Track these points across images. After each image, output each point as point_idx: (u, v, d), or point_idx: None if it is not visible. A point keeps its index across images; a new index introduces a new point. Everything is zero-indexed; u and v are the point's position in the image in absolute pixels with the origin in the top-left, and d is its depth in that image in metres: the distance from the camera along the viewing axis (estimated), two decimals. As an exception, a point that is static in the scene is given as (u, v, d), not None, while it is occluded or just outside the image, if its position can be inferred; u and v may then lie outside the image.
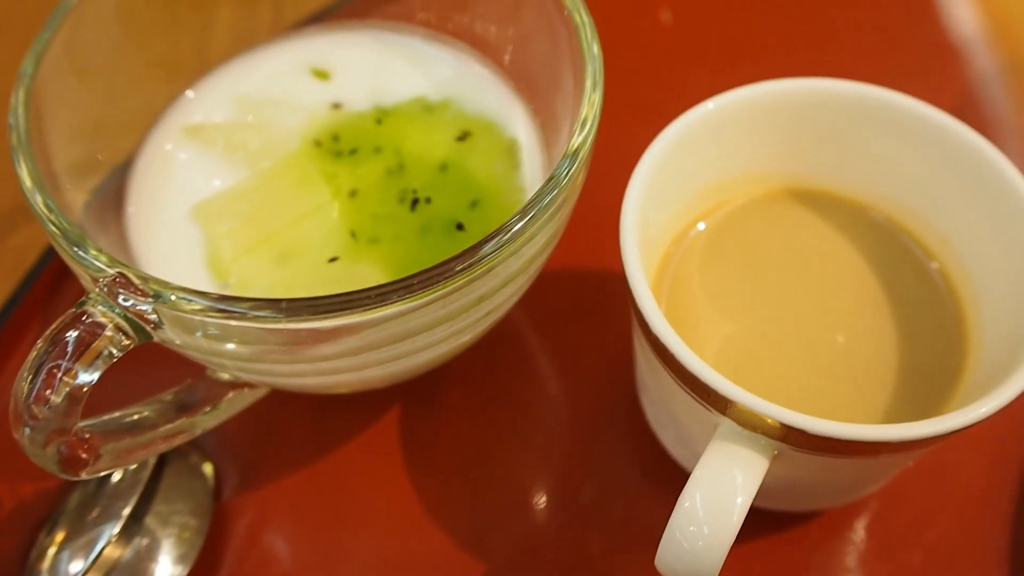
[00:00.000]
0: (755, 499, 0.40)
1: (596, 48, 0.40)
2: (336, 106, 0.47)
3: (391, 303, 0.34)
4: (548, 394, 0.50)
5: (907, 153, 0.43)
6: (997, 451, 0.47)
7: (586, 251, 0.51)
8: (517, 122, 0.46)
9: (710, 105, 0.42)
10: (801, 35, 0.64)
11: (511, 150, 0.46)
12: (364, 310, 0.34)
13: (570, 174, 0.37)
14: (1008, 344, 0.39)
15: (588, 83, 0.40)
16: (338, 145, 0.46)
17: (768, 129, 0.44)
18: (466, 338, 0.41)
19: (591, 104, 0.39)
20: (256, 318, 0.34)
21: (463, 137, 0.46)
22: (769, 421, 0.35)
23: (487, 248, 0.35)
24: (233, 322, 0.33)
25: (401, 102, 0.47)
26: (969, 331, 0.42)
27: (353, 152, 0.46)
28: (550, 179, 0.36)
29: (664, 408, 0.43)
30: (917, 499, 0.46)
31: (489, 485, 0.47)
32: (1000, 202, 0.40)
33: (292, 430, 0.49)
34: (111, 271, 0.34)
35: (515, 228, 0.35)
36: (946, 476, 0.47)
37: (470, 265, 0.34)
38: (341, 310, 0.33)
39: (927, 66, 0.61)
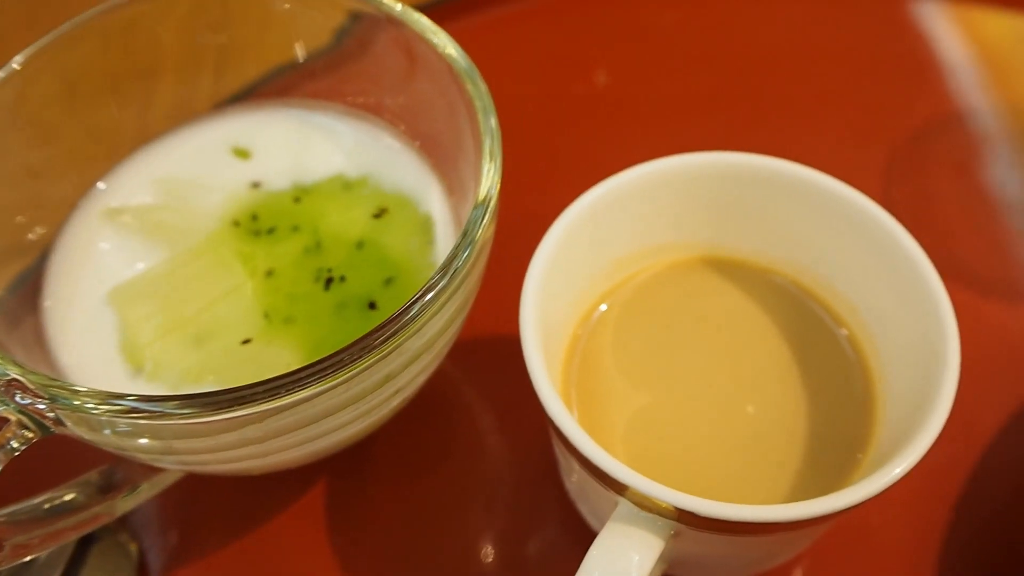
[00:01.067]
0: (678, 572, 0.41)
1: (493, 121, 0.41)
2: (255, 185, 0.48)
3: (278, 397, 0.34)
4: (476, 462, 0.50)
5: (816, 224, 0.44)
6: (926, 508, 0.48)
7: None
8: (432, 198, 0.47)
9: (615, 181, 0.43)
10: (730, 105, 0.64)
11: (426, 226, 0.46)
12: (252, 404, 0.34)
13: (467, 257, 0.38)
14: (906, 417, 0.39)
15: (486, 158, 0.40)
16: (256, 224, 0.47)
17: (680, 201, 0.44)
18: (376, 417, 0.41)
19: (488, 179, 0.39)
20: (144, 415, 0.34)
21: (380, 214, 0.47)
22: (662, 504, 0.35)
23: (371, 341, 0.35)
24: (121, 419, 0.34)
25: (320, 180, 0.48)
26: (876, 399, 0.42)
27: (271, 231, 0.46)
28: (444, 265, 0.37)
29: (575, 483, 0.44)
30: (845, 558, 0.47)
31: (416, 556, 0.47)
32: (900, 273, 0.41)
33: (219, 506, 0.49)
34: (7, 374, 0.34)
35: (403, 319, 0.36)
36: (871, 534, 0.47)
37: (357, 357, 0.35)
38: (226, 406, 0.33)
39: (850, 139, 0.62)
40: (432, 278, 0.37)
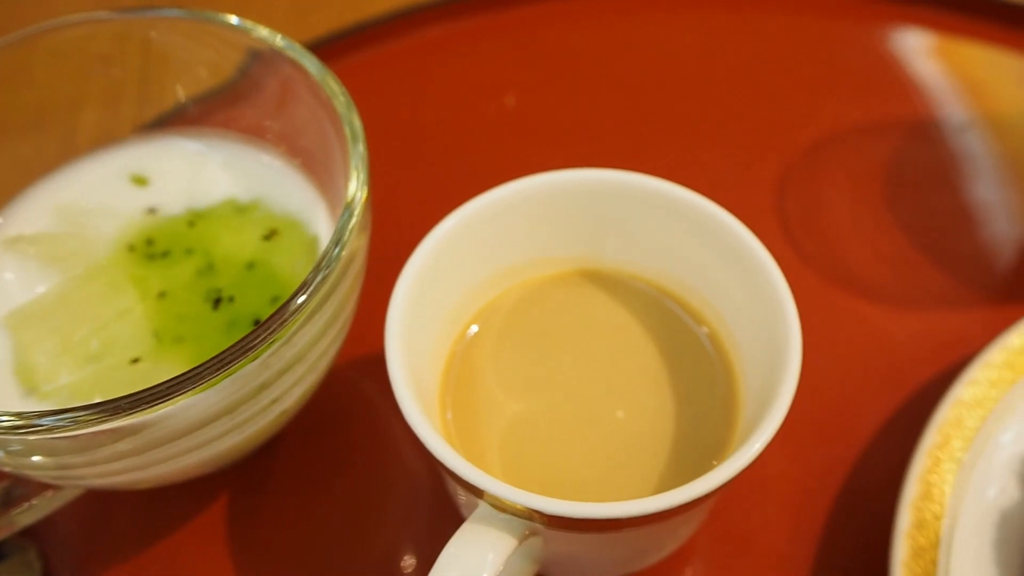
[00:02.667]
0: (554, 572, 0.43)
1: (361, 147, 0.43)
2: (151, 211, 0.50)
3: (142, 410, 0.36)
4: (375, 473, 0.52)
5: (678, 234, 0.46)
6: (807, 506, 0.49)
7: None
8: (319, 219, 0.49)
9: (485, 200, 0.45)
10: (633, 123, 0.67)
11: (312, 246, 0.48)
12: (126, 414, 0.36)
13: (332, 266, 0.40)
14: (758, 412, 0.41)
15: (352, 171, 0.42)
16: (151, 248, 0.48)
17: (554, 216, 0.46)
18: (256, 428, 0.43)
19: (353, 186, 0.42)
20: (21, 430, 0.36)
21: (270, 236, 0.49)
22: (514, 505, 0.37)
23: (234, 352, 0.37)
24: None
25: (213, 205, 0.50)
26: (738, 398, 0.44)
27: (165, 255, 0.48)
28: (311, 273, 0.39)
29: (450, 490, 0.46)
30: (726, 555, 0.48)
31: (316, 566, 0.49)
32: (752, 276, 0.43)
33: (126, 519, 0.50)
34: None
35: (266, 332, 0.38)
36: (753, 533, 0.49)
37: (221, 368, 0.37)
38: (95, 417, 0.35)
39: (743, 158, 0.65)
40: (299, 288, 0.39)
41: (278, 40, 0.47)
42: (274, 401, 0.42)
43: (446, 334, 0.46)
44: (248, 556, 0.49)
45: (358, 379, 0.53)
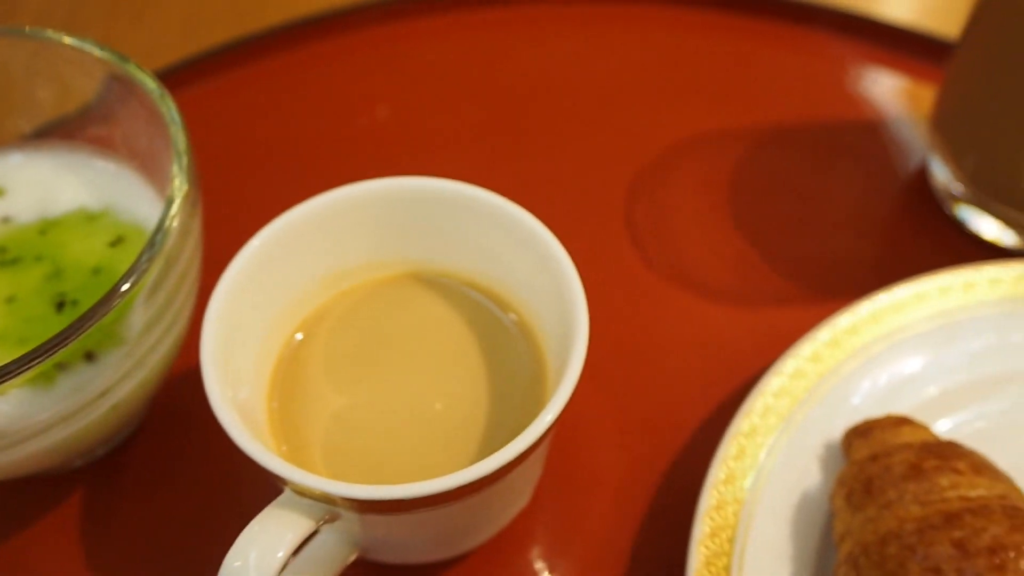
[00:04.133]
0: (379, 555, 0.46)
1: (184, 160, 0.46)
2: (5, 220, 0.52)
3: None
4: (225, 472, 0.54)
5: (489, 235, 0.49)
6: (629, 492, 0.53)
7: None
8: (164, 227, 0.52)
9: (308, 206, 0.48)
10: (497, 133, 0.70)
11: (156, 253, 0.51)
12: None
13: (148, 262, 0.43)
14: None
15: (176, 174, 0.46)
16: (3, 256, 0.51)
17: (381, 222, 0.49)
18: (85, 422, 0.46)
19: (174, 188, 0.45)
20: None
21: (116, 243, 0.51)
22: (311, 489, 0.40)
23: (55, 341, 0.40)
24: None
25: (65, 213, 0.53)
26: (546, 380, 0.47)
27: (15, 261, 0.51)
28: (110, 291, 0.42)
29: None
30: (551, 535, 0.51)
31: (165, 563, 0.51)
32: (551, 272, 0.46)
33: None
34: None
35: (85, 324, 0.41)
36: (578, 519, 0.52)
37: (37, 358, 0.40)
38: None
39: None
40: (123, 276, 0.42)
41: (120, 61, 0.50)
42: (102, 394, 0.45)
43: (278, 331, 0.49)
44: (97, 554, 0.51)
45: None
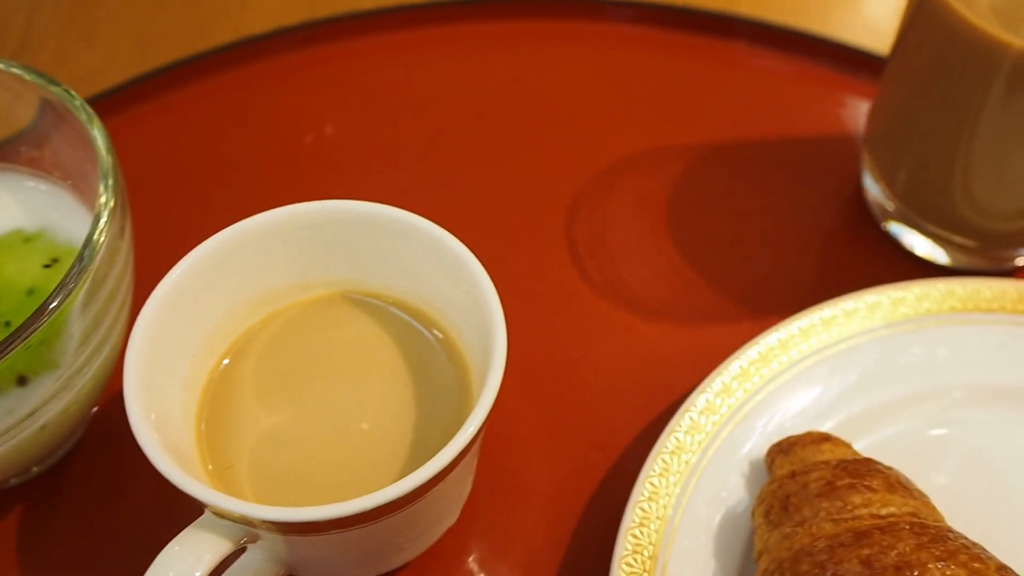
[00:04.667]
0: (311, 573, 0.48)
1: (111, 180, 0.47)
2: (-57, 243, 0.53)
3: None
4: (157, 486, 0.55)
5: (414, 255, 0.49)
6: (560, 506, 0.53)
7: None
8: (98, 249, 0.52)
9: (234, 230, 0.49)
10: (439, 152, 0.71)
11: (90, 275, 0.51)
12: None
13: (76, 280, 0.43)
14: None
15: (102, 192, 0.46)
16: (-60, 278, 0.52)
17: (301, 244, 0.50)
18: (16, 440, 0.46)
19: (99, 225, 0.46)
20: None
21: (51, 264, 0.52)
22: (229, 512, 0.41)
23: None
24: None
25: (2, 235, 0.53)
26: (472, 399, 0.48)
27: (-50, 283, 0.51)
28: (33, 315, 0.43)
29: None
30: (486, 547, 0.52)
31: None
32: (469, 290, 0.47)
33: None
34: None
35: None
36: (512, 531, 0.52)
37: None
38: None
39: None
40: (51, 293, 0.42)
41: (49, 84, 0.51)
42: (30, 414, 0.46)
43: (207, 353, 0.49)
44: (30, 572, 0.52)
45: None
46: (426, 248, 0.48)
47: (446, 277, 0.48)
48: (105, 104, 0.72)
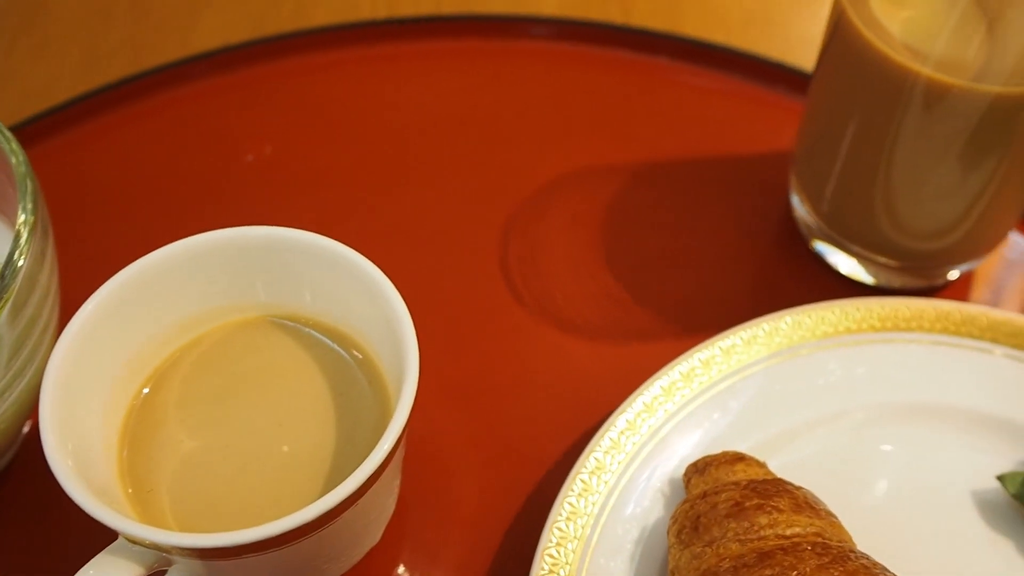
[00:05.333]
0: None
1: (29, 202, 0.47)
2: None
3: None
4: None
5: (335, 279, 0.50)
6: (484, 526, 0.54)
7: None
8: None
9: (155, 256, 0.49)
10: (376, 171, 0.71)
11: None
12: None
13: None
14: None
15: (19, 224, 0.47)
16: None
17: (221, 269, 0.51)
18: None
19: (19, 243, 0.46)
20: None
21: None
22: (140, 539, 0.41)
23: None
24: None
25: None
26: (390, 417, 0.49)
27: None
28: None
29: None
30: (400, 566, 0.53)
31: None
32: (382, 310, 0.48)
33: None
34: None
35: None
36: (433, 552, 0.53)
37: None
38: None
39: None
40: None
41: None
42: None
43: (129, 377, 0.50)
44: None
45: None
46: (342, 271, 0.49)
47: (362, 299, 0.49)
48: (50, 122, 0.73)
